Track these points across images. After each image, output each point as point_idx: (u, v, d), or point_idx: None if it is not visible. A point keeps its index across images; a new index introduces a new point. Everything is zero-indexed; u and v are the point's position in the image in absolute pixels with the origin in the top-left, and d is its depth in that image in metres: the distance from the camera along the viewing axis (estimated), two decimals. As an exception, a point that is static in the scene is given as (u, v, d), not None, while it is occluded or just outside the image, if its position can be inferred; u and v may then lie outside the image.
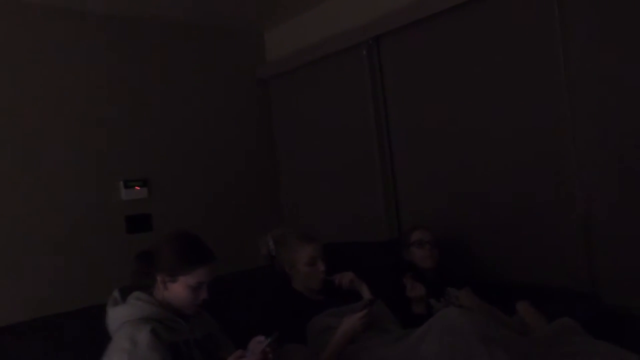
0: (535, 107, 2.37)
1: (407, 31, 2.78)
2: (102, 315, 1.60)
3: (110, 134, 2.86)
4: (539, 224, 2.39)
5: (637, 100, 2.08)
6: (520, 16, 2.39)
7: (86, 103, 2.80)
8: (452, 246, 2.56)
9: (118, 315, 1.58)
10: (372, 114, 2.98)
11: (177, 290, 1.62)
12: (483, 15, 2.50)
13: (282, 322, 1.90)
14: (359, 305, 1.99)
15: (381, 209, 2.98)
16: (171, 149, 3.09)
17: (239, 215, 3.30)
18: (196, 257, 1.64)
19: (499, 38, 2.46)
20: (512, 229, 2.48)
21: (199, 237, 1.72)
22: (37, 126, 2.64)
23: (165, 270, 1.62)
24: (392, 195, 2.98)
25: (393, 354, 1.77)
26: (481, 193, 2.58)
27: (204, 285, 1.64)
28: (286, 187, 3.55)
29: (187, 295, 1.62)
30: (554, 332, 1.92)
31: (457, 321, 1.71)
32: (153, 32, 3.08)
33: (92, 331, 1.64)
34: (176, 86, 3.14)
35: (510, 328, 1.90)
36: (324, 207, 3.29)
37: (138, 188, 2.89)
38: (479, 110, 2.56)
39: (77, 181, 2.72)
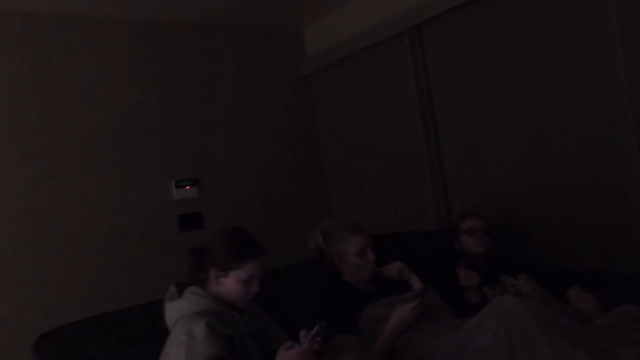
0: (591, 88, 2.25)
1: (449, 16, 2.71)
2: (160, 310, 1.66)
3: (161, 136, 2.96)
4: (597, 207, 2.28)
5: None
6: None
7: (138, 108, 2.90)
8: (504, 234, 2.49)
9: (175, 310, 1.63)
10: (417, 103, 2.93)
11: (229, 284, 1.66)
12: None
13: (334, 314, 1.91)
14: (410, 295, 1.97)
15: (430, 200, 2.93)
16: (218, 149, 3.15)
17: (286, 210, 3.33)
18: (246, 251, 1.67)
19: (551, 16, 2.35)
20: (567, 213, 2.38)
21: (248, 232, 1.76)
22: (92, 132, 2.76)
23: (217, 265, 1.67)
24: (440, 185, 2.92)
25: (447, 344, 1.74)
26: (534, 179, 2.49)
27: (255, 279, 1.67)
28: (333, 181, 3.55)
29: (239, 288, 1.65)
30: (617, 320, 1.84)
31: (514, 309, 1.66)
32: (196, 36, 3.15)
33: (152, 325, 1.70)
34: (220, 87, 3.20)
35: (570, 315, 1.83)
36: (372, 200, 3.26)
37: (189, 187, 2.98)
38: (530, 96, 2.46)
39: (132, 183, 2.83)
